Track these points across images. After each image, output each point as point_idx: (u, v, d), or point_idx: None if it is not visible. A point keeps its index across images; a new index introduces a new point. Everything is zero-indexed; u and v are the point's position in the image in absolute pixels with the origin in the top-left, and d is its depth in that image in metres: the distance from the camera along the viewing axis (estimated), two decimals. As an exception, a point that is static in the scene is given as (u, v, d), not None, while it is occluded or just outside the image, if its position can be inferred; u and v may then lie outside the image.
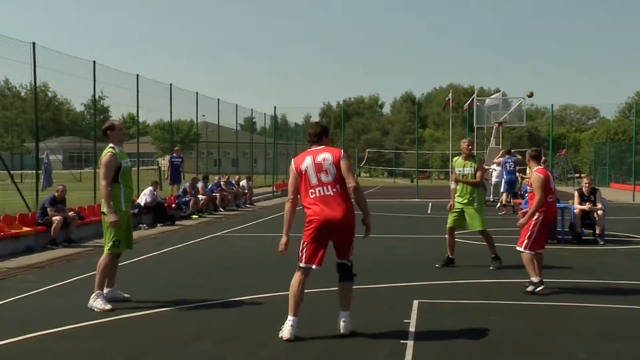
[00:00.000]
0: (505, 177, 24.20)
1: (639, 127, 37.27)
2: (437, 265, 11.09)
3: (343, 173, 6.66)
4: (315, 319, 7.46)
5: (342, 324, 6.76)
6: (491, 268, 10.88)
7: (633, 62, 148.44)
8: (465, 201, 11.03)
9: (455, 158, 11.58)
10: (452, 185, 11.40)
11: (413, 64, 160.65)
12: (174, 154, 25.57)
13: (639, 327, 7.35)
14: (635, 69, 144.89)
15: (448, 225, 11.29)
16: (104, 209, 8.07)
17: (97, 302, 7.89)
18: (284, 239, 6.78)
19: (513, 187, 23.88)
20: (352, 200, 6.75)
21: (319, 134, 7.02)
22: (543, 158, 9.69)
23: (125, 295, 8.47)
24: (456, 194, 11.15)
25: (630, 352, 6.34)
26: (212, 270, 11.25)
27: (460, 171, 11.10)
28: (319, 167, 6.67)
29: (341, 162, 6.70)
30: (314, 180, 6.66)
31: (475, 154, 11.68)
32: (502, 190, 24.48)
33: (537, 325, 7.35)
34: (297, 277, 6.71)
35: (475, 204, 11.03)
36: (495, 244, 11.09)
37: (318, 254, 6.67)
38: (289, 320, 6.61)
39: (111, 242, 8.07)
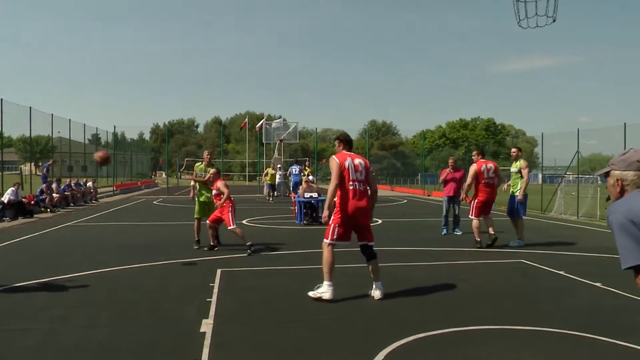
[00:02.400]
0: (292, 179, 25.12)
1: (371, 145, 39.79)
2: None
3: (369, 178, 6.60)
4: (146, 288, 7.18)
5: (377, 291, 6.52)
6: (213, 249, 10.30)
7: (367, 97, 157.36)
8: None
9: (197, 164, 10.93)
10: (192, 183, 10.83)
11: (221, 94, 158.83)
12: (49, 163, 23.93)
13: (368, 278, 7.76)
14: (367, 104, 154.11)
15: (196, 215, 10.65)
16: None
17: None
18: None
19: (297, 187, 24.85)
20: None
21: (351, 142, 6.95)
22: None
23: None
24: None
25: (349, 293, 6.59)
26: (63, 252, 10.30)
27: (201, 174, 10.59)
28: (356, 167, 6.48)
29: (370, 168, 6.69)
30: (352, 176, 6.42)
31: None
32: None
33: (306, 283, 7.55)
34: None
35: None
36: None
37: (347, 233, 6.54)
38: (328, 284, 6.38)
39: None
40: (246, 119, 42.69)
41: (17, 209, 17.49)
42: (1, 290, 6.95)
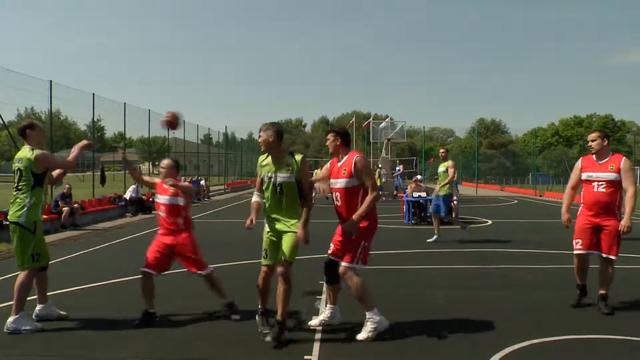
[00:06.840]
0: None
1: (479, 143, 38.52)
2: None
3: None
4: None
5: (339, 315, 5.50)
6: None
7: (475, 95, 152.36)
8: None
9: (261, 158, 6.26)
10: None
11: (327, 95, 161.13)
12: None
13: (480, 279, 7.54)
14: (476, 102, 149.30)
15: None
16: (21, 218, 5.23)
17: (24, 324, 5.21)
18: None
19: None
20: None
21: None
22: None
23: (62, 312, 5.68)
24: None
25: (472, 296, 6.49)
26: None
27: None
28: None
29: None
30: None
31: None
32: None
33: (409, 284, 7.48)
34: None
35: None
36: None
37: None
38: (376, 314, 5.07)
39: (30, 257, 5.26)
40: (353, 119, 42.85)
41: (138, 205, 18.90)
42: (131, 279, 7.52)
